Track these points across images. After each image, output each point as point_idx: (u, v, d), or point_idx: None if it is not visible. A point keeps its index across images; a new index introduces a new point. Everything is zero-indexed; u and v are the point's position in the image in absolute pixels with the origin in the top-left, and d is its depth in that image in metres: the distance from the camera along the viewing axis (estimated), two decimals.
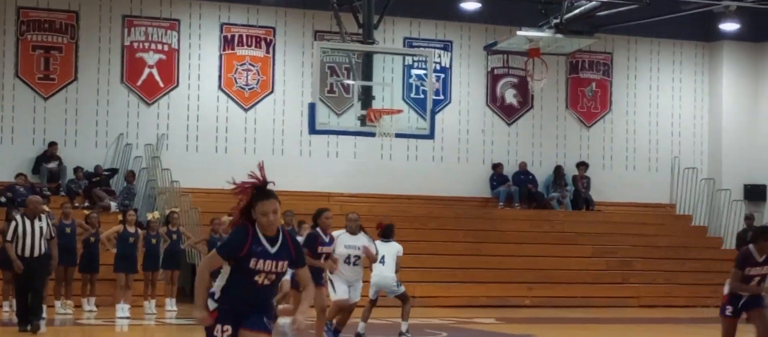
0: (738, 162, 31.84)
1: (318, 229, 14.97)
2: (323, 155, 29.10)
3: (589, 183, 30.96)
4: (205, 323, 8.05)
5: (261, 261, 7.95)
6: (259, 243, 7.98)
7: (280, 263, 8.03)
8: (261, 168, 8.13)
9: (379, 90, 27.29)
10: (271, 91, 28.92)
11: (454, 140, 30.28)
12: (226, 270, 8.06)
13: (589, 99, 31.62)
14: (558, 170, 30.73)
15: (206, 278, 8.08)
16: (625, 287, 27.99)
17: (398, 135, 27.78)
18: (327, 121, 28.00)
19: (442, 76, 30.27)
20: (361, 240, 15.77)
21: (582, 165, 30.94)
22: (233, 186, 8.14)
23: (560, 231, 29.28)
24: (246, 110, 28.69)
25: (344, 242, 15.59)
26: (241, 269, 7.97)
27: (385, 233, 16.84)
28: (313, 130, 26.09)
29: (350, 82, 27.82)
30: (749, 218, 24.75)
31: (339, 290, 15.59)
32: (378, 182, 29.22)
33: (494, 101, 30.79)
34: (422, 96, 28.77)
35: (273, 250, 8.00)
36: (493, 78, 30.83)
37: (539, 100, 30.94)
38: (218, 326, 8.02)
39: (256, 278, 8.00)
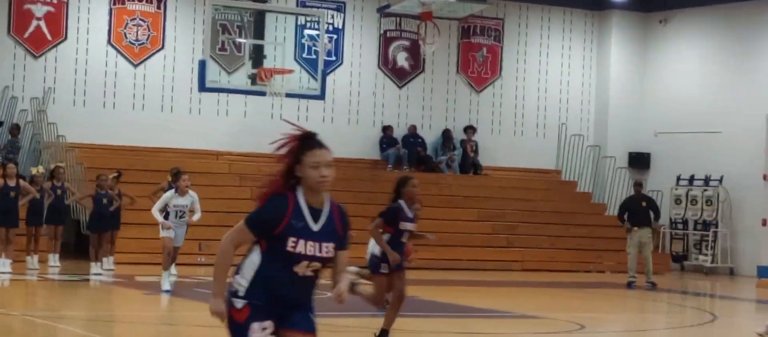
0: (623, 130, 32.37)
1: (400, 201, 12.70)
2: (213, 113, 28.93)
3: (477, 147, 31.23)
4: (221, 317, 6.29)
5: (302, 242, 6.24)
6: (300, 217, 6.29)
7: (325, 246, 6.32)
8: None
9: (271, 49, 27.26)
10: (162, 48, 28.63)
11: (345, 102, 30.33)
12: (254, 260, 6.33)
13: (480, 64, 31.86)
14: (446, 134, 30.94)
15: (228, 258, 6.32)
16: (509, 251, 28.35)
17: (289, 95, 27.78)
18: (217, 79, 27.92)
19: (335, 37, 30.25)
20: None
21: (471, 129, 31.19)
22: (276, 144, 6.54)
23: (448, 194, 29.51)
24: (135, 66, 28.39)
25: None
26: (275, 254, 6.27)
27: None
28: (203, 87, 25.99)
29: (242, 40, 27.73)
30: (638, 185, 25.17)
31: None
32: (268, 142, 29.06)
33: (386, 64, 30.87)
34: (314, 56, 28.79)
35: (316, 227, 6.30)
36: (385, 40, 30.89)
37: (430, 63, 31.10)
38: (254, 326, 6.24)
39: (296, 267, 6.29)
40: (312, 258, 6.28)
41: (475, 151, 31.21)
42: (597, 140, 32.47)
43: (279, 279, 6.27)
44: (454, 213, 28.76)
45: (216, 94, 28.14)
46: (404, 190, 12.70)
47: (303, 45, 29.35)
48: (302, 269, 6.28)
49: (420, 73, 31.20)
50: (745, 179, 29.41)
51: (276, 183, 6.39)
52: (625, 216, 24.43)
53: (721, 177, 30.20)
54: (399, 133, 30.71)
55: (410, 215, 12.76)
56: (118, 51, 28.21)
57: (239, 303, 6.26)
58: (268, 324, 6.25)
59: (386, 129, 30.52)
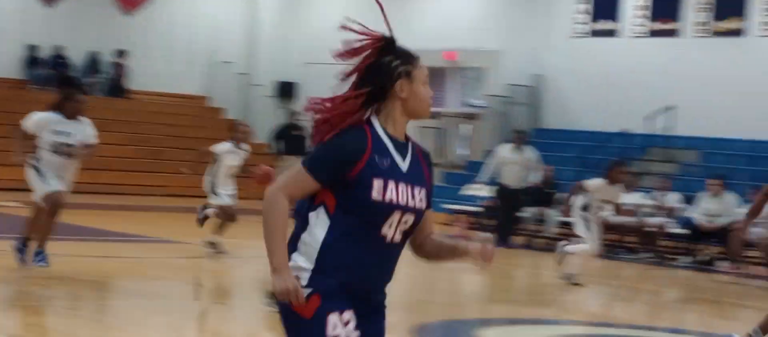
0: (272, 59, 32.92)
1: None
2: None
3: (125, 70, 31.06)
4: (297, 297, 4.20)
5: (392, 184, 4.29)
6: (385, 151, 4.33)
7: (418, 192, 4.38)
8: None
9: None
10: None
11: None
12: (318, 229, 4.31)
13: None
14: (94, 56, 30.63)
15: (283, 215, 4.25)
16: (154, 176, 28.45)
17: None
18: None
19: None
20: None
21: (120, 52, 30.98)
22: (356, 50, 4.67)
23: (93, 117, 29.09)
24: None
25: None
26: (352, 213, 4.29)
27: None
28: None
29: None
30: (293, 113, 25.77)
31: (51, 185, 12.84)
32: None
33: None
34: None
35: (405, 166, 4.37)
36: None
37: None
38: (332, 318, 4.25)
39: (385, 227, 4.30)
40: (406, 209, 4.31)
41: (124, 75, 31.05)
42: (246, 68, 32.89)
43: (359, 252, 4.30)
44: (100, 136, 28.43)
45: None
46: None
47: None
48: (392, 229, 4.31)
49: None
50: None
51: (350, 111, 4.43)
52: (278, 144, 25.05)
53: None
54: (46, 53, 30.14)
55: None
56: None
57: (302, 290, 4.27)
58: (349, 315, 4.28)
59: (32, 49, 29.89)
